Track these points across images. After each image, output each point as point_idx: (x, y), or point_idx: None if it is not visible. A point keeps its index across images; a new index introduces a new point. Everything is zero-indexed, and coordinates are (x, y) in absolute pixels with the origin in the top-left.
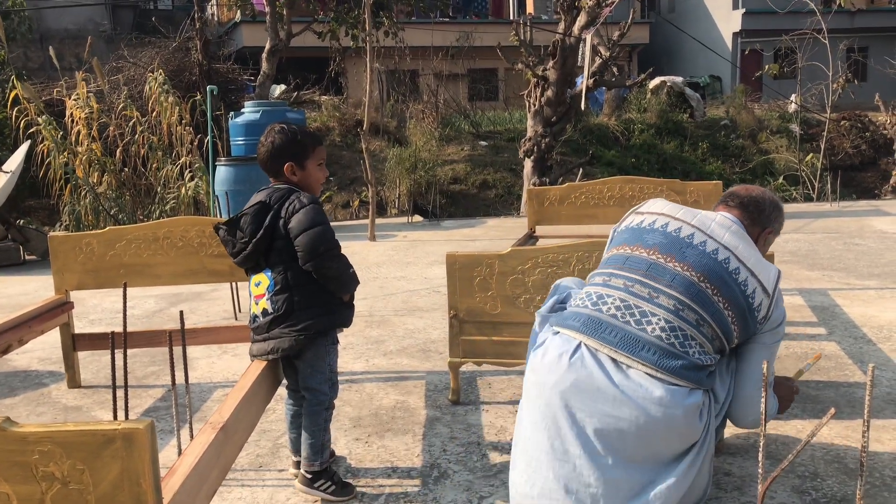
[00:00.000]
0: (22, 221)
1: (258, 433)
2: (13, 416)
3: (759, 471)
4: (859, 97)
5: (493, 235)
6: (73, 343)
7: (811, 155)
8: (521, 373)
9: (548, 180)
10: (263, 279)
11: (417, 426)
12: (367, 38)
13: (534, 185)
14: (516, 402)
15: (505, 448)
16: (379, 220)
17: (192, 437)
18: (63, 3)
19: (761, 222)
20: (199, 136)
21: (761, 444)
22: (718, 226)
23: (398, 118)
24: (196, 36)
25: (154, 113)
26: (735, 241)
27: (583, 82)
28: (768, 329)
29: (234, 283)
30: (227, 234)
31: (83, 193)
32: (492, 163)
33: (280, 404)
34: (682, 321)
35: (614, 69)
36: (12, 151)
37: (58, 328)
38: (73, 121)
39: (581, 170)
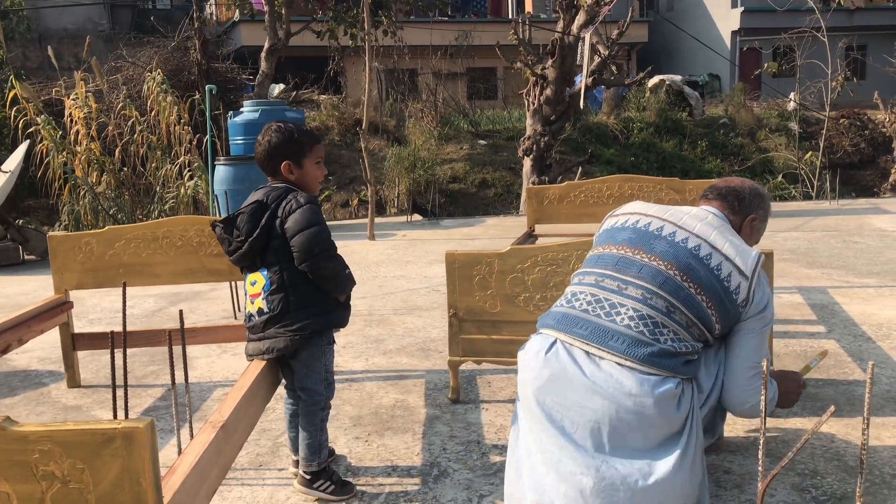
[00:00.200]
0: (21, 221)
1: (258, 432)
2: (13, 415)
3: (759, 468)
4: (858, 95)
5: (492, 234)
6: (73, 342)
7: (810, 153)
8: None
9: (547, 179)
10: (259, 278)
11: (417, 425)
12: (366, 38)
13: (533, 183)
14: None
15: (504, 447)
16: (378, 220)
17: (191, 436)
18: (62, 3)
19: (742, 210)
20: (198, 136)
21: (761, 441)
22: (692, 217)
23: (397, 117)
24: (195, 35)
25: (153, 112)
26: (708, 230)
27: (582, 81)
28: (753, 314)
29: (233, 283)
30: (224, 231)
31: (82, 193)
32: (491, 162)
33: (280, 403)
34: (652, 309)
35: (613, 68)
36: (11, 151)
37: (57, 328)
38: (71, 120)
39: (580, 168)
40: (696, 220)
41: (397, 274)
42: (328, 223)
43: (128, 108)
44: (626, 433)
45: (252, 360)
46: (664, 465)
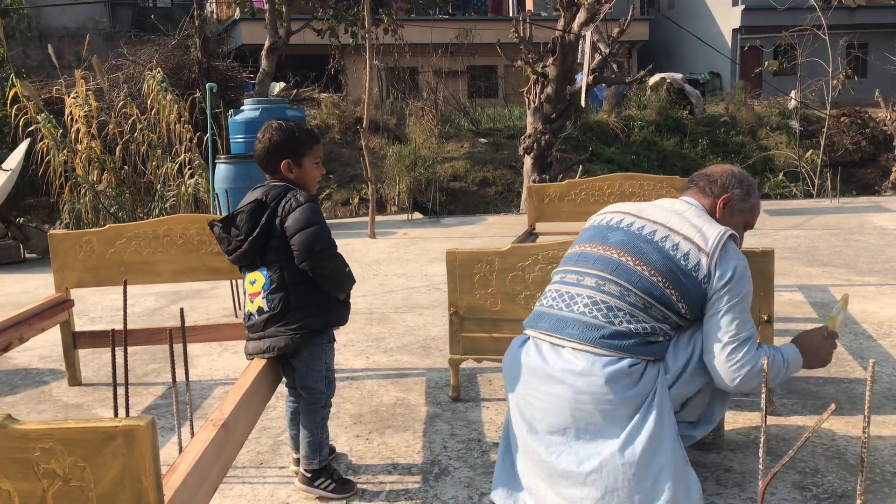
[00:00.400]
0: (22, 219)
1: (259, 430)
2: (14, 413)
3: (760, 467)
4: (859, 93)
5: (493, 232)
6: (74, 341)
7: (811, 151)
8: None
9: (548, 177)
10: (259, 277)
11: (418, 423)
12: (367, 36)
13: (534, 181)
14: None
15: None
16: (379, 218)
17: (192, 434)
18: (62, 2)
19: (714, 192)
20: (198, 134)
21: (762, 440)
22: (656, 207)
23: (398, 115)
24: (195, 33)
25: (153, 111)
26: (668, 216)
27: (582, 79)
28: (718, 287)
29: (233, 281)
30: (223, 231)
31: (83, 191)
32: (491, 160)
33: (280, 401)
34: (605, 294)
35: (614, 66)
36: (12, 149)
37: (58, 326)
38: (72, 119)
39: (581, 167)
40: (661, 210)
41: (398, 272)
42: (329, 221)
43: (129, 107)
44: (585, 416)
45: (252, 359)
46: (621, 445)
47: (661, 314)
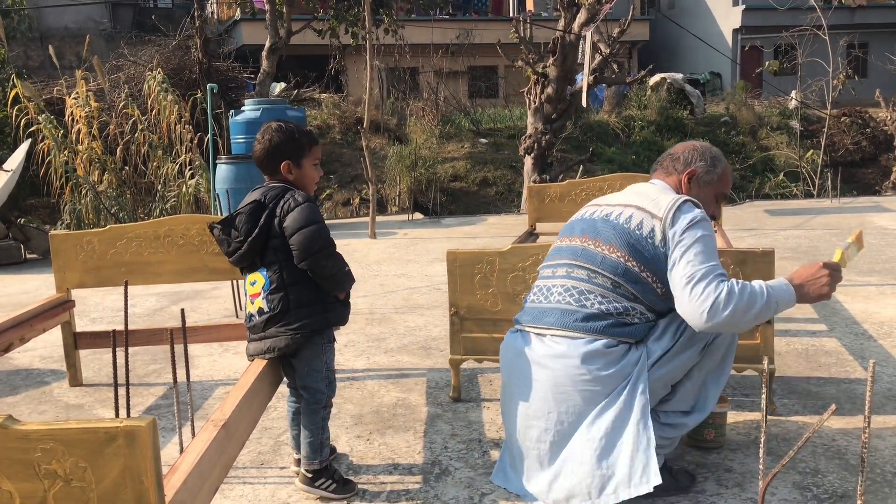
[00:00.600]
0: (23, 220)
1: (260, 431)
2: (15, 414)
3: (760, 467)
4: (860, 93)
5: (493, 233)
6: (75, 341)
7: (811, 151)
8: None
9: (548, 177)
10: (259, 278)
11: (418, 423)
12: (367, 36)
13: (534, 182)
14: None
15: None
16: (379, 218)
17: (193, 434)
18: (63, 2)
19: (678, 169)
20: (199, 134)
21: (762, 440)
22: (622, 193)
23: (398, 116)
24: (196, 34)
25: (154, 111)
26: (629, 197)
27: (583, 79)
28: (674, 241)
29: (234, 281)
30: (222, 233)
31: (84, 192)
32: (492, 160)
33: (281, 402)
34: (575, 280)
35: (614, 66)
36: (13, 150)
37: (59, 326)
38: (73, 119)
39: (581, 167)
40: (625, 194)
41: (398, 272)
42: (329, 222)
43: (129, 107)
44: (566, 399)
45: (253, 359)
46: (589, 422)
47: (631, 293)
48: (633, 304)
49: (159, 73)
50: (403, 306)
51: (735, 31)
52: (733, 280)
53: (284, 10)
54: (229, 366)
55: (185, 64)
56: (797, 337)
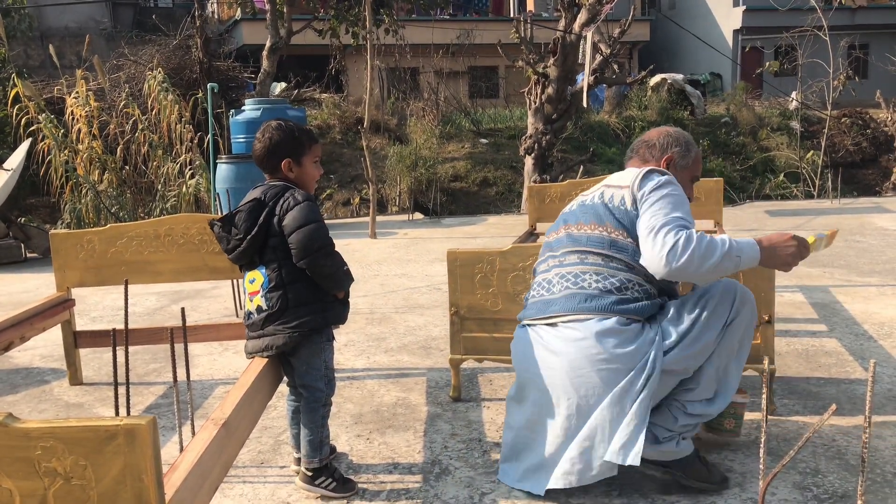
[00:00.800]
0: (23, 219)
1: (260, 430)
2: (15, 412)
3: (761, 467)
4: (860, 94)
5: (493, 233)
6: (75, 340)
7: (812, 152)
8: None
9: (548, 177)
10: (258, 276)
11: (418, 423)
12: (368, 36)
13: (534, 182)
14: None
15: None
16: (380, 218)
17: (193, 433)
18: (64, 1)
19: (655, 155)
20: (199, 134)
21: (762, 440)
22: (600, 185)
23: (399, 116)
24: (196, 34)
25: (154, 111)
26: (606, 183)
27: (583, 79)
28: (644, 197)
29: (234, 281)
30: (222, 230)
31: (84, 191)
32: (492, 160)
33: (281, 401)
34: (568, 266)
35: (615, 66)
36: (13, 149)
37: (59, 325)
38: (73, 119)
39: (582, 167)
40: (601, 185)
41: (399, 272)
42: (329, 222)
43: (130, 107)
44: (585, 382)
45: (252, 357)
46: (609, 401)
47: (624, 263)
48: (630, 274)
49: (160, 72)
50: (403, 306)
51: (735, 32)
52: (694, 232)
53: (285, 9)
54: (229, 365)
55: (186, 63)
56: (797, 337)
